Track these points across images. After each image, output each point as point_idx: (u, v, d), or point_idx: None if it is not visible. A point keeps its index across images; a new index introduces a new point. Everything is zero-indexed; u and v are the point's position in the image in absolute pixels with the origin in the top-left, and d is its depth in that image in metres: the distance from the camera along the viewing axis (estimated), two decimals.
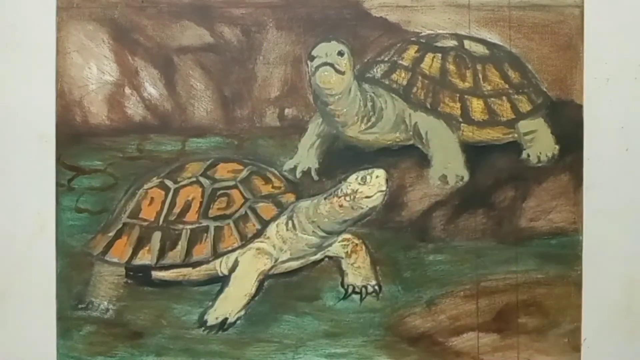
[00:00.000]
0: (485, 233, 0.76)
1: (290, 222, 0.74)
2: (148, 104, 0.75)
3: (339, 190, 0.72)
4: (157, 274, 0.74)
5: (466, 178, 0.76)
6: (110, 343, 0.74)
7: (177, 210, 0.74)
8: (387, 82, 0.76)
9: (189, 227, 0.74)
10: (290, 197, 0.75)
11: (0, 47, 0.75)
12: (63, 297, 0.74)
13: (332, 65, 0.73)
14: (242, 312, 0.74)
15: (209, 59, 0.76)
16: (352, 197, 0.71)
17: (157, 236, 0.74)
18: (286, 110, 0.76)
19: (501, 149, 0.77)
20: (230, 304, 0.74)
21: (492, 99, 0.76)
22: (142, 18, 0.75)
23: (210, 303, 0.74)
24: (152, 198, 0.74)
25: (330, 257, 0.75)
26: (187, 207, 0.74)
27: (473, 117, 0.76)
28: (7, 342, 0.75)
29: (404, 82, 0.76)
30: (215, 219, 0.74)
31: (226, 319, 0.74)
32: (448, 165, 0.76)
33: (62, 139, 0.74)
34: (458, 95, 0.76)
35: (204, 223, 0.74)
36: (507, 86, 0.76)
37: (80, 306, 0.74)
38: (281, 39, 0.75)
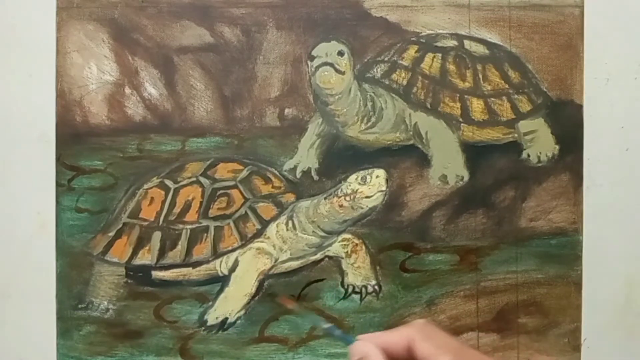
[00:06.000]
0: (485, 233, 0.76)
1: (290, 222, 0.74)
2: (148, 104, 0.75)
3: (339, 190, 0.72)
4: (157, 274, 0.74)
5: (466, 178, 0.76)
6: (110, 343, 0.74)
7: (177, 210, 0.74)
8: (387, 82, 0.76)
9: (189, 226, 0.74)
10: (290, 197, 0.75)
11: (0, 47, 0.75)
12: (63, 297, 0.74)
13: (332, 65, 0.73)
14: (242, 312, 0.74)
15: (209, 59, 0.76)
16: (352, 197, 0.71)
17: (157, 236, 0.74)
18: (286, 110, 0.76)
19: (501, 149, 0.77)
20: (230, 304, 0.74)
21: (492, 99, 0.76)
22: (142, 18, 0.75)
23: (211, 303, 0.74)
24: (152, 198, 0.74)
25: (330, 257, 0.75)
26: (187, 207, 0.74)
27: (473, 117, 0.76)
28: (7, 342, 0.75)
29: (404, 82, 0.76)
30: (215, 218, 0.74)
31: (226, 318, 0.74)
32: (448, 165, 0.76)
33: (62, 139, 0.74)
34: (458, 95, 0.76)
35: (204, 223, 0.74)
36: (507, 86, 0.76)
37: (80, 306, 0.74)
38: (281, 39, 0.75)
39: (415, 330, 0.47)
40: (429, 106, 0.76)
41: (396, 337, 0.47)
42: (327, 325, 0.56)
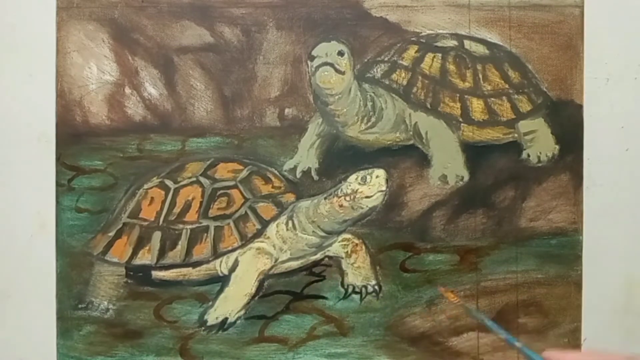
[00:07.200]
0: (485, 233, 0.76)
1: (290, 222, 0.74)
2: (148, 104, 0.75)
3: (339, 190, 0.72)
4: (157, 274, 0.74)
5: (466, 178, 0.76)
6: (110, 343, 0.74)
7: (177, 210, 0.74)
8: (387, 82, 0.76)
9: (189, 226, 0.74)
10: (290, 197, 0.75)
11: (0, 47, 0.75)
12: (63, 297, 0.74)
13: (332, 65, 0.73)
14: (242, 312, 0.74)
15: (209, 59, 0.76)
16: (352, 197, 0.71)
17: (157, 236, 0.74)
18: (286, 110, 0.76)
19: (501, 149, 0.77)
20: (230, 304, 0.74)
21: (492, 99, 0.76)
22: (142, 18, 0.75)
23: (211, 303, 0.74)
24: (152, 198, 0.74)
25: (330, 257, 0.75)
26: (187, 206, 0.74)
27: (473, 117, 0.76)
28: (7, 342, 0.75)
29: (404, 82, 0.76)
30: (215, 218, 0.74)
31: (226, 318, 0.74)
32: (448, 165, 0.76)
33: (62, 139, 0.74)
34: (458, 95, 0.76)
35: (204, 223, 0.74)
36: (507, 86, 0.76)
37: (80, 306, 0.74)
38: (281, 39, 0.75)
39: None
40: (429, 106, 0.76)
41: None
42: (515, 341, 0.53)
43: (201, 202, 0.74)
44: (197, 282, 0.74)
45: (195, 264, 0.74)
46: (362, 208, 0.71)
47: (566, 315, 0.76)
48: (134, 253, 0.74)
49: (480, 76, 0.76)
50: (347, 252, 0.75)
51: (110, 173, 0.75)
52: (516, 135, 0.77)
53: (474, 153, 0.76)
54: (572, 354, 0.46)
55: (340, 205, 0.71)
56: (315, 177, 0.76)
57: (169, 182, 0.75)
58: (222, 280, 0.74)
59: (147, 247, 0.74)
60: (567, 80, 0.76)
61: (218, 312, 0.74)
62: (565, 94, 0.76)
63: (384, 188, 0.71)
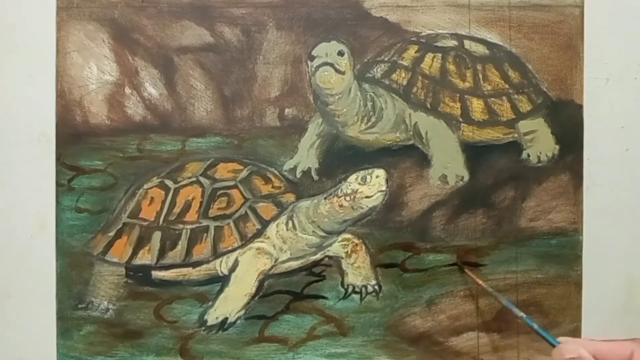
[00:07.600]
0: (485, 233, 0.76)
1: (290, 222, 0.74)
2: (148, 104, 0.75)
3: (339, 190, 0.72)
4: (157, 274, 0.74)
5: (466, 178, 0.76)
6: (110, 343, 0.74)
7: (177, 210, 0.74)
8: (387, 82, 0.76)
9: (189, 226, 0.74)
10: (290, 197, 0.75)
11: (0, 47, 0.75)
12: (63, 297, 0.74)
13: (332, 65, 0.73)
14: (242, 312, 0.74)
15: (209, 59, 0.76)
16: (352, 197, 0.71)
17: (157, 236, 0.74)
18: (286, 110, 0.76)
19: (501, 149, 0.77)
20: (230, 304, 0.74)
21: (492, 99, 0.76)
22: (142, 18, 0.75)
23: (210, 303, 0.74)
24: (152, 198, 0.74)
25: (330, 257, 0.75)
26: (187, 206, 0.74)
27: (473, 117, 0.76)
28: (7, 342, 0.75)
29: (404, 82, 0.76)
30: (215, 218, 0.74)
31: (226, 318, 0.74)
32: (448, 165, 0.76)
33: (62, 139, 0.74)
34: (458, 95, 0.76)
35: (204, 223, 0.74)
36: (507, 86, 0.76)
37: (80, 306, 0.74)
38: (281, 39, 0.75)
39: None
40: (429, 106, 0.76)
41: (614, 346, 0.46)
42: (522, 314, 0.55)
43: (201, 202, 0.74)
44: (197, 282, 0.74)
45: (195, 264, 0.74)
46: (362, 208, 0.71)
47: (566, 315, 0.76)
48: (134, 253, 0.74)
49: (480, 76, 0.76)
50: (347, 252, 0.75)
51: (110, 173, 0.75)
52: (516, 135, 0.77)
53: (474, 153, 0.76)
54: (585, 340, 0.47)
55: (340, 205, 0.71)
56: (315, 177, 0.76)
57: (169, 182, 0.75)
58: (222, 280, 0.74)
59: (147, 247, 0.74)
60: (567, 80, 0.76)
61: (218, 312, 0.74)
62: (565, 94, 0.76)
63: (384, 188, 0.71)
